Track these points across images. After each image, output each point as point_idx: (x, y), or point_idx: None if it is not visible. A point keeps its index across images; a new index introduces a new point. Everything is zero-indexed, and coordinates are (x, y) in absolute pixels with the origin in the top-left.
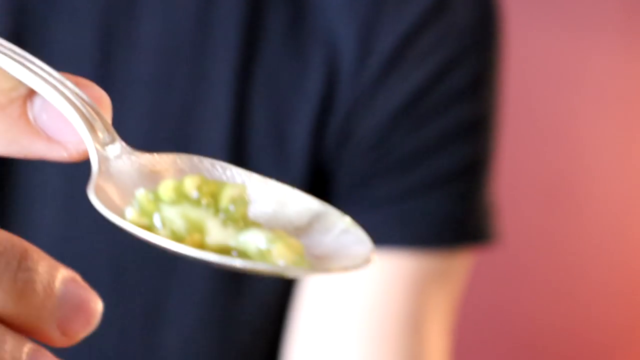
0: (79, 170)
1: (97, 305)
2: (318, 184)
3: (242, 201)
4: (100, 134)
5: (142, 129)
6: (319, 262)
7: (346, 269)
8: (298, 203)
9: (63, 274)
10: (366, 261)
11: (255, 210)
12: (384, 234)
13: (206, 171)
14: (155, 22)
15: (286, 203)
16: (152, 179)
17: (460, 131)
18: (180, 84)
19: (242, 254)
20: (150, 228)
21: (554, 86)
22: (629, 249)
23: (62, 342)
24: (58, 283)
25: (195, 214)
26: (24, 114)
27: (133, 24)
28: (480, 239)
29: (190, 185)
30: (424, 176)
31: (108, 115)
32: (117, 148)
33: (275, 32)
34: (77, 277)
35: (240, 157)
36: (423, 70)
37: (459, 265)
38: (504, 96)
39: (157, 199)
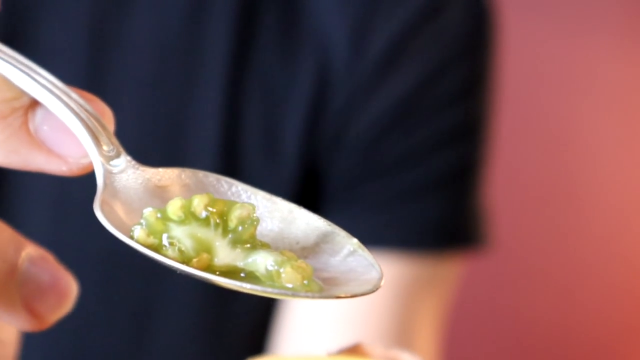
0: None
1: (69, 286)
2: (309, 185)
3: (250, 221)
4: (105, 147)
5: (133, 128)
6: (327, 286)
7: (354, 295)
8: (305, 222)
9: (30, 252)
10: (375, 287)
11: (262, 228)
12: (372, 237)
13: (211, 187)
14: (147, 21)
15: (292, 221)
16: (157, 194)
17: (452, 135)
18: (172, 83)
19: (250, 275)
20: (158, 247)
21: (556, 88)
22: (630, 250)
23: (32, 324)
24: (22, 260)
25: (204, 233)
26: (24, 124)
27: (124, 24)
28: (470, 243)
29: (199, 204)
30: (414, 180)
31: (112, 129)
32: (122, 162)
33: (267, 32)
34: (48, 257)
35: (232, 157)
36: (415, 72)
37: (449, 270)
38: (504, 98)
39: (165, 218)
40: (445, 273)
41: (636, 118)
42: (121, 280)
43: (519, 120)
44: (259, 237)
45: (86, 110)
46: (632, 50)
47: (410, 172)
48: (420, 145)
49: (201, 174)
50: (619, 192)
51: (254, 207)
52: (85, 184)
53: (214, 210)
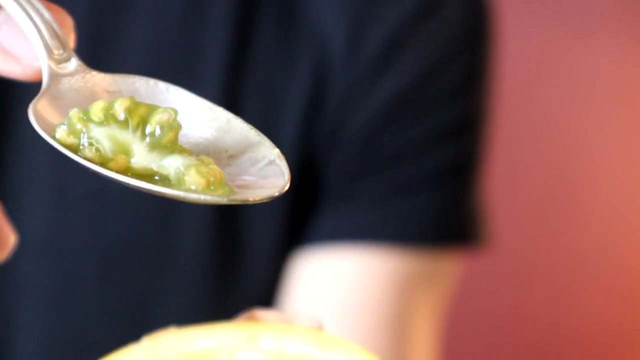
0: (69, 163)
1: (7, 237)
2: (307, 179)
3: (170, 126)
4: (55, 51)
5: None
6: (239, 190)
7: (262, 199)
8: (238, 132)
9: None
10: (280, 190)
11: (197, 136)
12: (370, 231)
13: (160, 94)
14: (146, 18)
15: (228, 131)
16: (104, 97)
17: (450, 130)
18: (170, 79)
19: (164, 178)
20: (77, 147)
21: (555, 87)
22: (631, 249)
23: None
24: None
25: (122, 135)
26: None
27: (123, 21)
28: (469, 240)
29: (120, 107)
30: (412, 174)
31: (69, 36)
32: (72, 65)
33: (265, 28)
34: None
35: None
36: (413, 68)
37: (447, 267)
38: (503, 95)
39: (88, 119)
40: (443, 270)
41: (636, 118)
42: (120, 268)
43: (518, 118)
44: (193, 144)
45: (42, 16)
46: (633, 50)
47: (408, 168)
48: (417, 140)
49: (152, 81)
50: (619, 191)
51: (176, 112)
52: (85, 176)
53: (135, 113)
